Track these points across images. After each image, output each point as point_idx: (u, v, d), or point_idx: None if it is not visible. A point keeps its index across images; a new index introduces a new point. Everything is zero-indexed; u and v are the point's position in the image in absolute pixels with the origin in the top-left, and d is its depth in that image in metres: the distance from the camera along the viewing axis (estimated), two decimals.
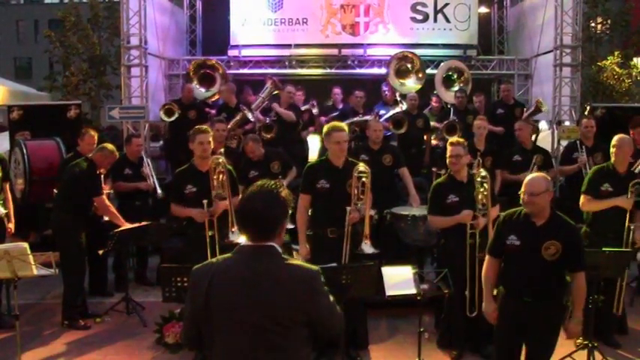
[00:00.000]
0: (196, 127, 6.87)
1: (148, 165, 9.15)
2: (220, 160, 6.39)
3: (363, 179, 6.14)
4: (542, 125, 13.20)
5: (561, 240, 4.71)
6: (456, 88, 11.91)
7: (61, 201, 7.66)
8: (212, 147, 6.71)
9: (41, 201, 9.21)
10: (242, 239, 3.23)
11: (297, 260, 3.22)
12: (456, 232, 6.34)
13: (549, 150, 11.30)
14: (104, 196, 7.68)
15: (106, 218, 7.86)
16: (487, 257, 5.17)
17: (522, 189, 4.84)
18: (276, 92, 11.09)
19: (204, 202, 6.34)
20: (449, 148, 6.47)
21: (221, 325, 3.06)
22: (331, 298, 3.13)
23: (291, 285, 3.00)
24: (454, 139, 6.58)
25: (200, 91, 12.21)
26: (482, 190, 6.24)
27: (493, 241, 5.14)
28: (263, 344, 3.00)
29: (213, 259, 3.26)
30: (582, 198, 6.85)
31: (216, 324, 3.07)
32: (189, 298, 3.19)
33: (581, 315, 4.84)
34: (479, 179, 6.24)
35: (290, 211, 3.21)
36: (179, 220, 7.12)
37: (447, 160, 6.51)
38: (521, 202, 4.88)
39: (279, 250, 3.09)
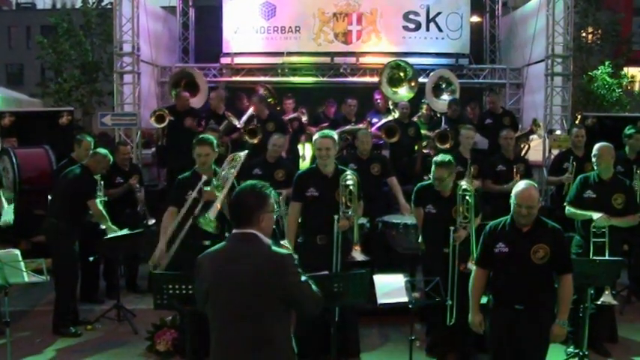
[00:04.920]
0: (199, 137, 6.79)
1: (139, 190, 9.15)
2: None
3: (350, 187, 6.17)
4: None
5: (548, 243, 4.79)
6: (445, 96, 11.90)
7: (55, 207, 7.63)
8: (213, 157, 6.58)
9: (31, 209, 9.18)
10: None
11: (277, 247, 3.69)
12: (434, 241, 6.40)
13: (540, 159, 11.40)
14: (97, 200, 7.62)
15: (103, 226, 7.87)
16: (475, 268, 5.21)
17: (517, 201, 4.87)
18: (270, 99, 11.08)
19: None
20: (434, 168, 6.44)
21: (214, 301, 3.60)
22: (304, 279, 3.58)
23: (265, 264, 3.52)
24: (439, 158, 6.48)
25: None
26: (463, 203, 6.26)
27: (480, 252, 5.17)
28: (244, 317, 3.50)
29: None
30: (566, 206, 6.92)
31: (211, 301, 3.60)
32: (196, 284, 3.74)
33: (565, 318, 4.88)
34: (460, 192, 6.25)
35: (275, 209, 3.75)
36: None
37: (433, 181, 6.49)
38: (514, 213, 4.91)
39: (260, 236, 3.59)
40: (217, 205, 5.98)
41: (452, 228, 6.23)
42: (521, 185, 4.98)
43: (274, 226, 3.98)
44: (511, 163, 8.70)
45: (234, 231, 3.66)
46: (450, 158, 6.47)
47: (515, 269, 4.84)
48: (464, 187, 6.29)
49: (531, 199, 4.83)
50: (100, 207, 7.62)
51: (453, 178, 6.47)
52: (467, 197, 6.23)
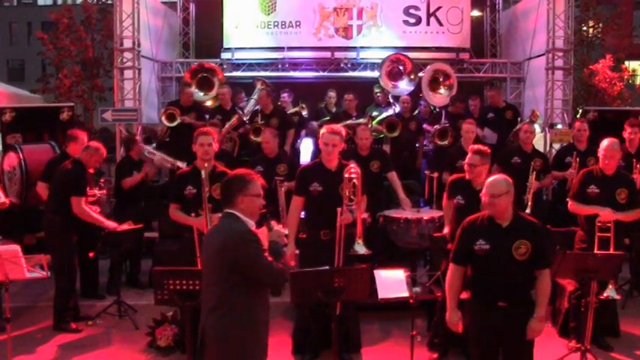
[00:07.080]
0: (200, 128, 6.81)
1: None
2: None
3: (354, 181, 6.14)
4: (535, 128, 13.22)
5: (529, 239, 4.72)
6: (442, 90, 11.79)
7: (51, 203, 7.61)
8: (215, 150, 6.60)
9: (38, 204, 9.19)
10: None
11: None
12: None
13: None
14: (82, 199, 7.43)
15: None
16: (451, 265, 5.06)
17: (483, 190, 4.84)
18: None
19: (208, 205, 6.17)
20: (469, 154, 6.30)
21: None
22: (261, 251, 4.05)
23: (227, 236, 4.04)
24: (476, 146, 6.42)
25: (199, 95, 11.90)
26: None
27: (457, 248, 5.04)
28: (209, 283, 4.13)
29: None
30: (569, 202, 6.89)
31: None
32: None
33: (543, 313, 4.80)
34: None
35: (259, 194, 4.20)
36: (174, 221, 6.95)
37: (465, 167, 6.34)
38: (482, 203, 4.88)
39: (239, 215, 4.11)
40: None
41: None
42: (492, 177, 4.95)
43: (264, 211, 4.35)
44: (528, 157, 8.60)
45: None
46: (486, 148, 6.35)
47: (497, 266, 4.75)
48: None
49: (494, 186, 4.76)
50: (83, 205, 7.42)
51: (486, 170, 6.30)
52: None
